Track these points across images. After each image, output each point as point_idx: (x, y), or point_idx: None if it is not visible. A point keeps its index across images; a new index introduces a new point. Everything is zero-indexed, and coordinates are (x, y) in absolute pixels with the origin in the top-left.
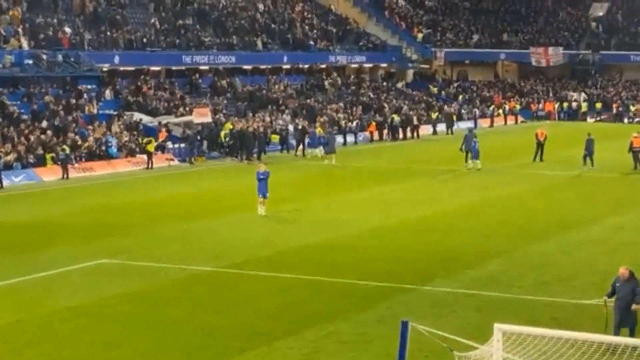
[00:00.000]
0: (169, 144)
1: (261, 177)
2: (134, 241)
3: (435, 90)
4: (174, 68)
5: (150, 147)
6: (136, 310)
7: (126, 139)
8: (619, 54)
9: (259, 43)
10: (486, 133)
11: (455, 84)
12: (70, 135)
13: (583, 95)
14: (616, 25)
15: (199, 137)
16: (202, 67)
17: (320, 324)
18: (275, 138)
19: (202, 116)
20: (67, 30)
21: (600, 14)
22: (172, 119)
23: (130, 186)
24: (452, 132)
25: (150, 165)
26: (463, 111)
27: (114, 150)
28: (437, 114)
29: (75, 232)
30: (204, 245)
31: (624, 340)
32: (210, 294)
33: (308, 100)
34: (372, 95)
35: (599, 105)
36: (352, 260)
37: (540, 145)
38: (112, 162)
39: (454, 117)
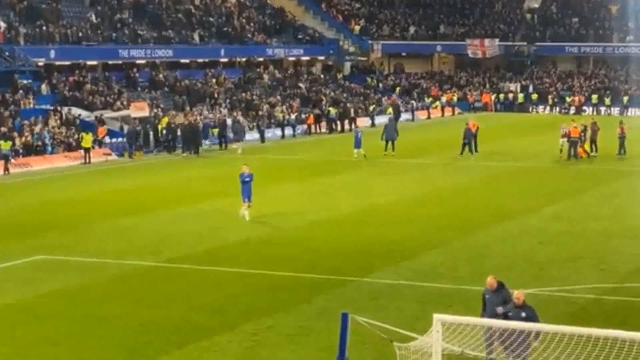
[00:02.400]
0: (107, 139)
1: (246, 179)
2: (71, 237)
3: (373, 82)
4: (110, 62)
5: (87, 142)
6: (74, 306)
7: (63, 134)
8: (554, 45)
9: (196, 37)
10: (423, 125)
11: (393, 76)
12: (4, 130)
13: (519, 86)
14: (551, 17)
15: (139, 129)
16: (139, 61)
17: (260, 317)
18: (214, 132)
19: (139, 110)
20: (2, 24)
21: (535, 5)
22: (110, 114)
23: (68, 182)
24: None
25: (87, 160)
26: (399, 102)
27: (50, 145)
28: (374, 106)
29: (11, 229)
30: (142, 240)
31: (560, 328)
32: (148, 289)
33: (244, 94)
34: (309, 88)
35: (535, 96)
36: (291, 253)
37: (472, 137)
38: (48, 157)
39: (401, 108)
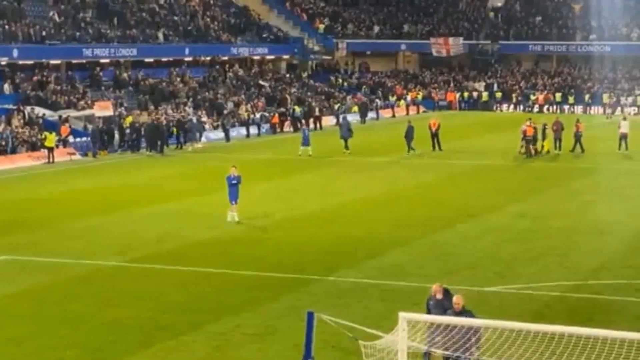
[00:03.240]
0: (71, 138)
1: (234, 181)
2: (36, 237)
3: (338, 81)
4: (74, 61)
5: (50, 142)
6: (39, 306)
7: (26, 133)
8: (518, 44)
9: (160, 35)
10: (388, 123)
11: (357, 75)
12: None
13: (483, 84)
14: (514, 16)
15: (103, 129)
16: (103, 61)
17: (226, 316)
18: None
19: (103, 109)
20: None
21: (499, 4)
22: (74, 113)
23: (32, 182)
24: (364, 122)
25: (51, 160)
26: (366, 101)
27: (13, 145)
28: (339, 104)
29: None
30: (108, 240)
31: (524, 325)
32: (114, 289)
33: (207, 93)
34: (274, 87)
35: (499, 94)
36: (256, 252)
37: (434, 135)
38: (11, 157)
39: (368, 107)
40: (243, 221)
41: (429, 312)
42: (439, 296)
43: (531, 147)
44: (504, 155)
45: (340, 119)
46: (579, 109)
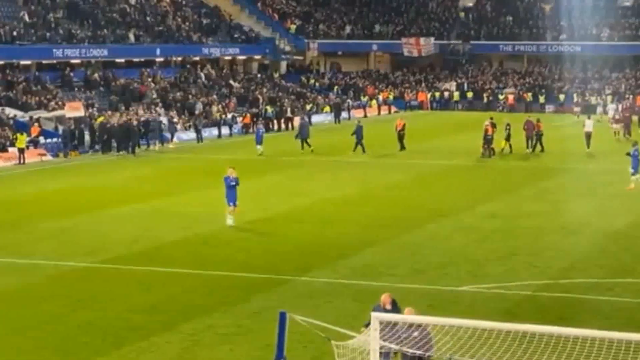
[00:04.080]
0: (42, 139)
1: (232, 183)
2: (7, 238)
3: (309, 81)
4: (44, 62)
5: (21, 143)
6: (11, 308)
7: None
8: (489, 43)
9: (131, 36)
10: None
11: (329, 75)
12: None
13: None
14: (485, 16)
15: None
16: (73, 61)
17: (198, 317)
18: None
19: (74, 110)
20: None
21: (470, 4)
22: (44, 114)
23: (2, 183)
24: (339, 122)
25: (22, 161)
26: (339, 101)
27: None
28: (311, 104)
29: None
30: (79, 241)
31: (495, 325)
32: (85, 290)
33: (179, 94)
34: (246, 87)
35: (470, 94)
36: (228, 252)
37: (399, 136)
38: None
39: (341, 107)
40: (215, 222)
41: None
42: (389, 307)
43: (489, 146)
44: (474, 155)
45: (300, 119)
46: (550, 108)
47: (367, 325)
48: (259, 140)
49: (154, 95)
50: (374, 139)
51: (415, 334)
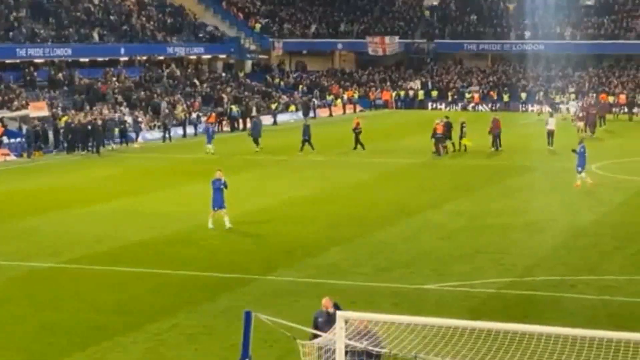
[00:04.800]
0: (5, 139)
1: (220, 186)
2: None
3: (274, 80)
4: (7, 61)
5: None
6: None
7: None
8: (453, 42)
9: (95, 35)
10: (324, 123)
11: (294, 74)
12: None
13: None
14: (450, 15)
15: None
16: (37, 60)
17: (163, 317)
18: (115, 131)
19: (38, 110)
20: None
21: (434, 3)
22: (8, 114)
23: None
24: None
25: None
26: (307, 100)
27: None
28: (276, 104)
29: None
30: (43, 241)
31: (461, 323)
32: (50, 290)
33: (143, 93)
34: (211, 86)
35: (434, 93)
36: (193, 252)
37: (355, 135)
38: None
39: (309, 106)
40: (180, 221)
41: (316, 328)
42: (331, 310)
43: (440, 145)
44: (450, 153)
45: (254, 118)
46: (514, 106)
47: (312, 338)
48: (209, 140)
49: (114, 95)
50: (338, 138)
51: (365, 343)
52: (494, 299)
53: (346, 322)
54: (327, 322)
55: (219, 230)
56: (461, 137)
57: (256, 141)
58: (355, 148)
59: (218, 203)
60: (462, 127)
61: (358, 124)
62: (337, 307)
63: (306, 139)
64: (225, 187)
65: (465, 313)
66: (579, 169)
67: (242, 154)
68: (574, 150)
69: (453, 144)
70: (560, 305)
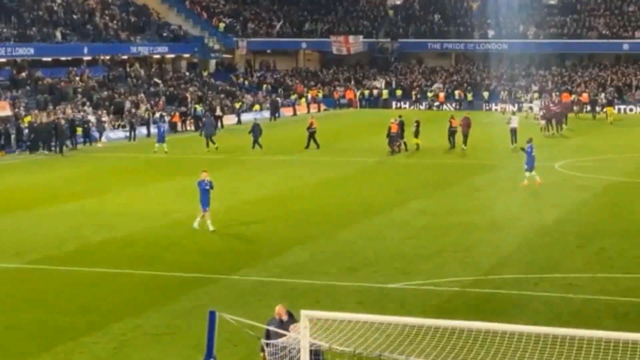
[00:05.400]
0: None
1: (207, 187)
2: None
3: (239, 80)
4: None
5: None
6: None
7: None
8: (417, 42)
9: (58, 34)
10: (289, 122)
11: (258, 74)
12: None
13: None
14: (413, 14)
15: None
16: None
17: (127, 317)
18: (79, 130)
19: (0, 110)
20: None
21: (398, 2)
22: None
23: None
24: (275, 119)
25: None
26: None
27: None
28: (240, 103)
29: None
30: (6, 242)
31: (434, 322)
32: (12, 291)
33: (106, 93)
34: (175, 86)
35: (399, 92)
36: (157, 252)
37: (309, 134)
38: None
39: (278, 105)
40: (145, 221)
41: (267, 336)
42: (285, 318)
43: (394, 144)
44: (403, 153)
45: (205, 118)
46: (478, 105)
47: (262, 349)
48: (160, 139)
49: (76, 94)
50: (302, 137)
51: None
52: (459, 297)
53: (310, 321)
54: (279, 329)
55: (184, 231)
56: (415, 136)
57: (211, 140)
58: (307, 147)
59: (206, 204)
60: (416, 127)
61: (312, 123)
62: (290, 315)
63: (255, 138)
64: (211, 187)
65: (430, 311)
66: (527, 167)
67: (206, 154)
68: (522, 149)
69: (405, 143)
70: (524, 303)
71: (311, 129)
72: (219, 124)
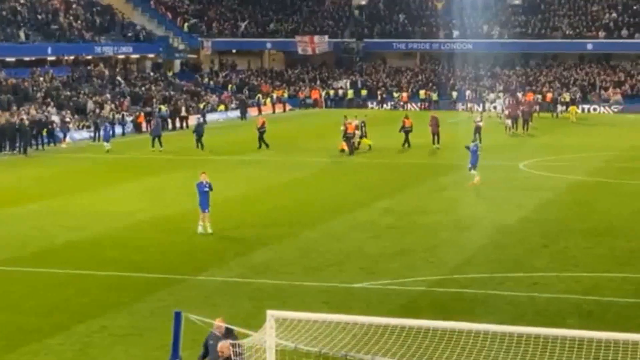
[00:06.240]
0: None
1: (205, 189)
2: None
3: (203, 80)
4: None
5: None
6: None
7: None
8: (382, 42)
9: (22, 34)
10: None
11: (223, 74)
12: None
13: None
14: (378, 14)
15: None
16: None
17: (92, 318)
18: (44, 131)
19: None
20: None
21: (363, 2)
22: None
23: None
24: (245, 119)
25: None
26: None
27: None
28: (205, 103)
29: None
30: None
31: (399, 321)
32: None
33: (69, 93)
34: (139, 86)
35: (364, 92)
36: (122, 253)
37: (259, 134)
38: None
39: (246, 104)
40: (110, 222)
41: (206, 351)
42: (221, 334)
43: (349, 144)
44: (369, 153)
45: (153, 119)
46: (444, 105)
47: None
48: (107, 137)
49: (40, 94)
50: (267, 138)
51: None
52: (424, 297)
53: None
54: (215, 345)
55: (149, 231)
56: (361, 137)
57: (158, 141)
58: (259, 147)
59: (205, 206)
60: (362, 127)
61: (264, 123)
62: (229, 332)
63: (198, 137)
64: (211, 189)
65: (395, 311)
66: (470, 166)
67: (182, 154)
68: (467, 147)
69: (358, 143)
70: (489, 302)
71: (262, 129)
72: (184, 124)
